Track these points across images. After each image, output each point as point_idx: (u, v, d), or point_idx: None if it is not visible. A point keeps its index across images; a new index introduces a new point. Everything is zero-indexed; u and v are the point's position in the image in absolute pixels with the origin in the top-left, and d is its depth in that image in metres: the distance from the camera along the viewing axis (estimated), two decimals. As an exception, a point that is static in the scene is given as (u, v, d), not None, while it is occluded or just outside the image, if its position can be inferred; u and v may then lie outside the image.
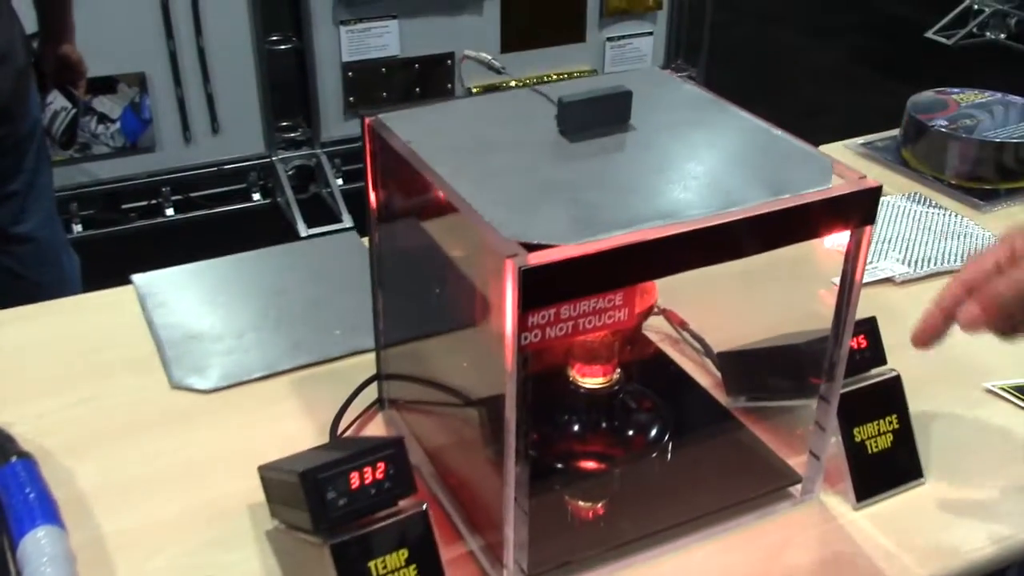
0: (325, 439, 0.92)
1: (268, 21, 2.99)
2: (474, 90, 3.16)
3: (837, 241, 1.10)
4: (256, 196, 3.21)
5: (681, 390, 0.98)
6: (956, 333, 1.09)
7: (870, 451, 0.88)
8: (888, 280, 1.18)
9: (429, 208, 0.77)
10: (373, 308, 0.92)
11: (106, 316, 1.11)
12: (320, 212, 3.12)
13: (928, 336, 0.83)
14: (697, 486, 0.87)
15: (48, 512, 0.79)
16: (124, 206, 3.10)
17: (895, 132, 1.49)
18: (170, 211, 3.11)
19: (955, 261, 1.21)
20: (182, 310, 1.10)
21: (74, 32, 1.79)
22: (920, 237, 1.25)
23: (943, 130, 1.37)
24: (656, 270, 0.71)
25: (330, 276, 1.18)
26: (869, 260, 1.19)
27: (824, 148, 1.50)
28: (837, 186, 0.74)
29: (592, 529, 0.85)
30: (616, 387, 0.88)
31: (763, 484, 0.87)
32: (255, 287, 1.16)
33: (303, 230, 3.03)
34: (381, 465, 0.74)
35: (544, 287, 0.65)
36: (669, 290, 1.07)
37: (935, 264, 1.20)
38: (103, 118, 2.89)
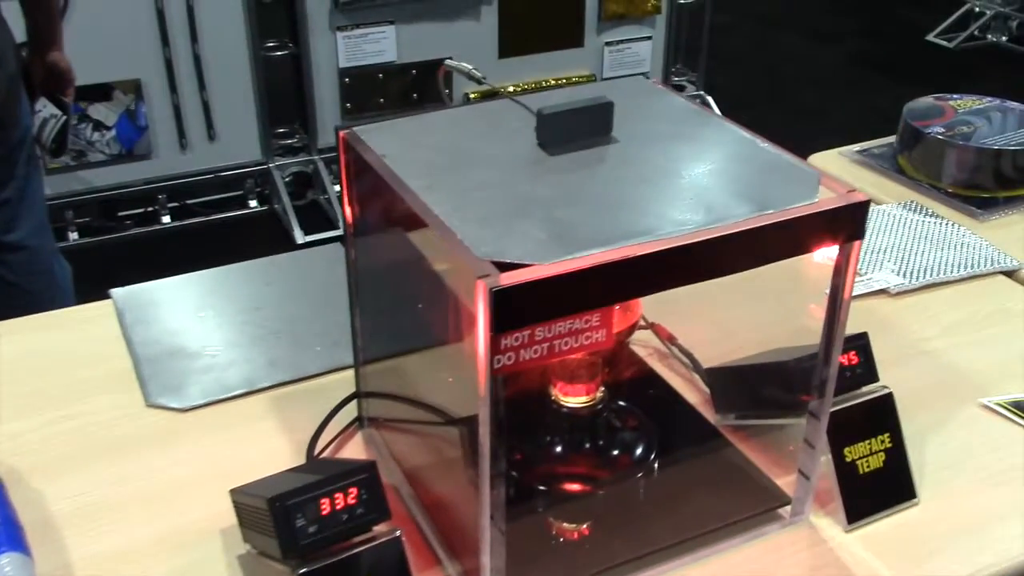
0: (303, 459, 0.90)
1: (264, 27, 2.97)
2: (472, 96, 3.13)
3: (829, 253, 1.07)
4: (253, 203, 3.19)
5: (668, 408, 0.95)
6: (951, 347, 1.07)
7: (861, 471, 0.85)
8: (883, 292, 1.15)
9: (403, 224, 0.75)
10: (351, 325, 0.90)
11: (84, 331, 1.09)
12: (317, 219, 3.10)
13: None
14: (683, 508, 0.85)
15: (13, 538, 0.77)
16: (120, 214, 3.08)
17: (891, 139, 1.46)
18: (166, 218, 3.09)
19: (952, 271, 1.18)
20: (161, 326, 1.08)
21: (63, 40, 1.78)
22: (916, 247, 1.23)
23: (940, 137, 1.35)
24: (635, 289, 0.69)
25: (312, 290, 1.16)
26: (863, 271, 1.16)
27: (819, 155, 1.49)
28: (824, 200, 0.72)
29: (574, 553, 0.83)
30: (600, 406, 0.86)
31: (751, 505, 0.85)
32: (236, 301, 1.13)
33: (300, 237, 3.01)
34: (353, 490, 0.72)
35: (517, 308, 0.63)
36: (658, 304, 1.05)
37: (931, 275, 1.17)
38: (99, 125, 2.87)
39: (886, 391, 0.87)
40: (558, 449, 0.87)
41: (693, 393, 0.99)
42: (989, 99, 1.45)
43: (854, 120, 3.69)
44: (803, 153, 1.46)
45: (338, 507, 0.71)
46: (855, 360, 0.86)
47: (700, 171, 0.76)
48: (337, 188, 3.14)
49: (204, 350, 1.04)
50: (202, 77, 2.92)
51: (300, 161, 3.17)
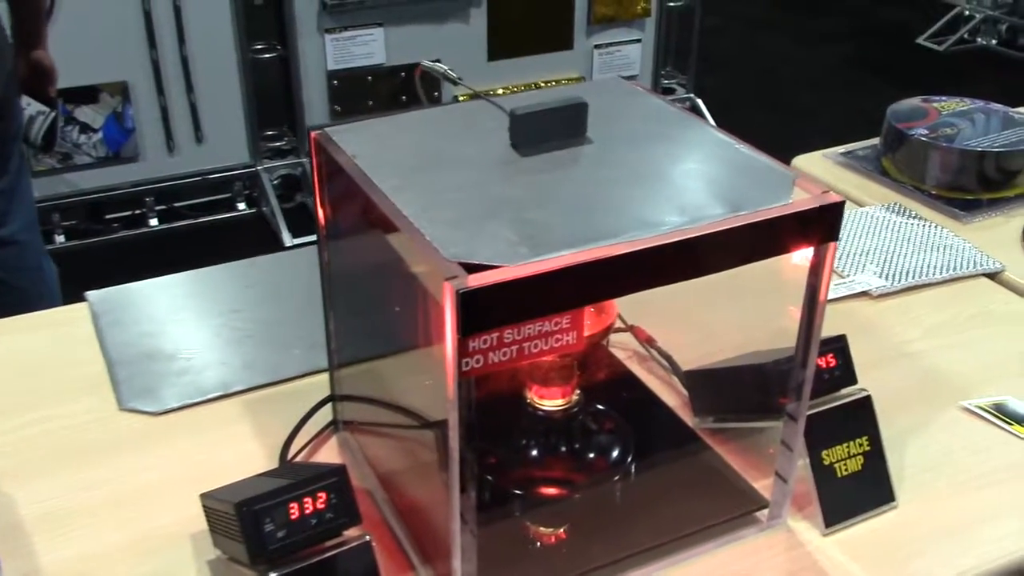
0: (277, 463, 0.89)
1: (252, 29, 2.96)
2: (460, 98, 3.13)
3: (809, 255, 1.07)
4: (241, 206, 3.18)
5: (646, 410, 0.95)
6: (933, 350, 1.07)
7: (839, 474, 0.85)
8: (864, 294, 1.15)
9: (374, 226, 0.74)
10: (325, 328, 0.89)
11: (59, 334, 1.08)
12: (306, 222, 3.08)
13: None
14: (660, 511, 0.84)
15: (-21, 544, 0.76)
16: (107, 216, 3.07)
17: (875, 141, 1.46)
18: (154, 221, 3.08)
19: (934, 274, 1.17)
20: (136, 328, 1.07)
21: (47, 38, 1.78)
22: (899, 249, 1.22)
23: (923, 139, 1.34)
24: (605, 291, 0.68)
25: (292, 292, 1.15)
26: (845, 273, 1.16)
27: (803, 157, 1.48)
28: (798, 201, 0.71)
29: (550, 557, 0.82)
30: (576, 409, 0.85)
31: (729, 509, 0.84)
32: (214, 304, 1.13)
33: (288, 240, 3.00)
34: (323, 495, 0.71)
35: (485, 310, 0.62)
36: (638, 306, 1.05)
37: (914, 277, 1.17)
38: (85, 128, 2.86)
39: (864, 394, 0.86)
40: (534, 453, 0.87)
41: (672, 396, 0.98)
42: (973, 101, 1.45)
43: (843, 123, 3.69)
44: (791, 156, 1.46)
45: (307, 512, 0.70)
46: (833, 362, 0.85)
47: (674, 172, 0.76)
48: (326, 191, 3.14)
49: (179, 353, 1.04)
50: (190, 79, 2.91)
51: (288, 164, 3.16)
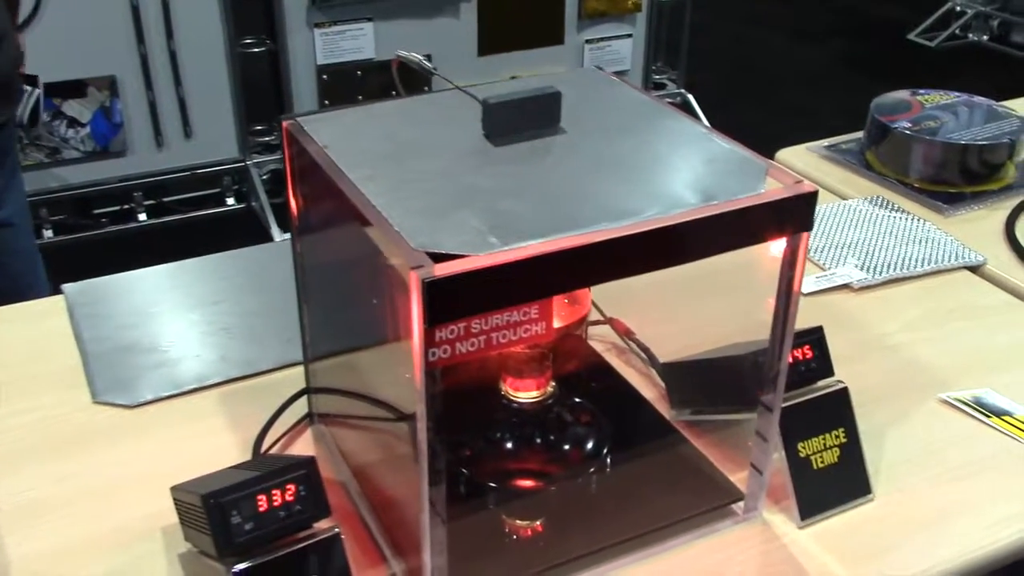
0: (250, 456, 0.88)
1: (241, 23, 2.95)
2: (450, 93, 3.12)
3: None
4: (230, 200, 3.17)
5: (623, 403, 0.94)
6: (912, 342, 1.06)
7: (815, 466, 0.84)
8: (845, 286, 1.14)
9: (344, 217, 0.73)
10: (299, 320, 0.89)
11: (35, 327, 1.07)
12: (294, 217, 3.07)
13: None
14: (635, 504, 0.84)
15: (-53, 537, 0.76)
16: (96, 211, 3.06)
17: (859, 134, 1.45)
18: (143, 216, 3.07)
19: (916, 267, 1.17)
20: (112, 321, 1.06)
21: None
22: (881, 242, 1.22)
23: (906, 132, 1.34)
24: (573, 281, 0.67)
25: (270, 285, 1.14)
26: (826, 266, 1.16)
27: (788, 151, 1.48)
28: (771, 191, 0.71)
29: (524, 549, 0.81)
30: (550, 401, 0.85)
31: (704, 501, 0.84)
32: (192, 297, 1.12)
33: (278, 235, 2.99)
34: (291, 487, 0.70)
35: (452, 300, 0.61)
36: (618, 298, 1.04)
37: (895, 270, 1.16)
38: (73, 122, 2.85)
39: (841, 386, 0.86)
40: (508, 445, 0.86)
41: (650, 388, 0.98)
42: (957, 94, 1.44)
43: (835, 119, 3.68)
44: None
45: (275, 504, 0.69)
46: (810, 354, 0.85)
47: (646, 162, 0.75)
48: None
49: (155, 346, 1.03)
50: (178, 74, 2.90)
51: (277, 159, 3.15)
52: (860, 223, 1.26)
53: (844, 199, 1.34)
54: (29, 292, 1.64)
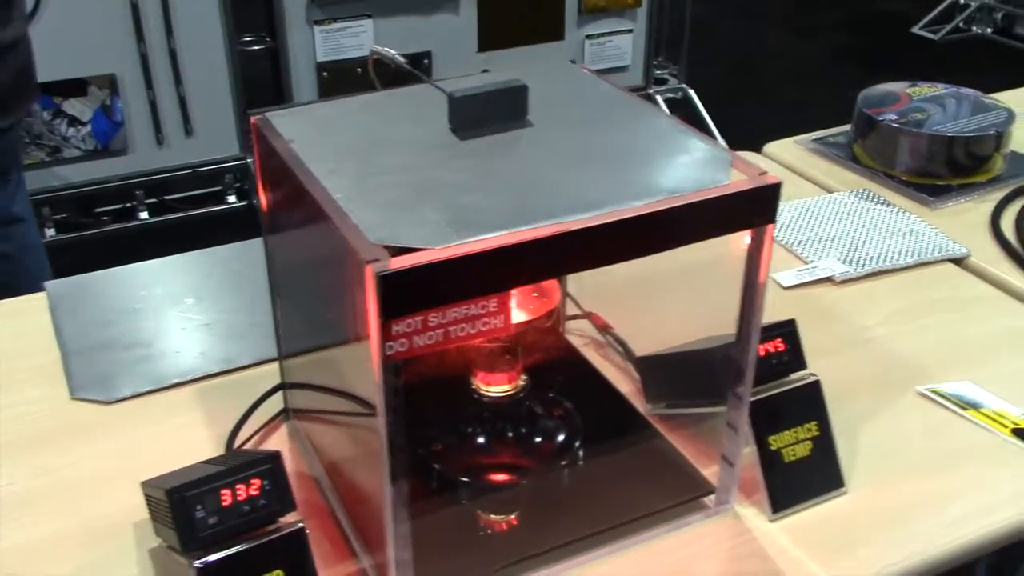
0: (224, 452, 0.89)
1: (241, 21, 2.95)
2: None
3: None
4: (231, 198, 3.17)
5: (597, 396, 0.94)
6: (893, 335, 1.06)
7: (787, 460, 0.84)
8: (828, 280, 1.14)
9: (308, 212, 0.73)
10: (273, 316, 0.89)
11: (17, 324, 1.08)
12: (295, 214, 3.08)
13: None
14: (606, 497, 0.84)
15: (-83, 532, 0.76)
16: (97, 209, 3.07)
17: (847, 128, 1.45)
18: (144, 214, 3.07)
19: (899, 259, 1.17)
20: (93, 318, 1.07)
21: None
22: (865, 235, 1.22)
23: (893, 124, 1.33)
24: (531, 274, 0.67)
25: (251, 281, 1.14)
26: (809, 259, 1.15)
27: (775, 144, 1.48)
28: (734, 183, 0.71)
29: (495, 543, 0.81)
30: (522, 395, 0.85)
31: (675, 495, 0.84)
32: (173, 293, 1.12)
33: (277, 232, 2.99)
34: (256, 481, 0.70)
35: (408, 294, 0.62)
36: (597, 292, 1.04)
37: (878, 263, 1.16)
38: (74, 121, 2.86)
39: (813, 379, 0.86)
40: (480, 440, 0.86)
41: (626, 382, 0.98)
42: (945, 86, 1.44)
43: (836, 113, 3.66)
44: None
45: (240, 498, 0.70)
46: (782, 347, 0.85)
47: (611, 155, 0.75)
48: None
49: (135, 342, 1.03)
50: (178, 72, 2.90)
51: (278, 156, 3.15)
52: (845, 216, 1.26)
53: (830, 192, 1.33)
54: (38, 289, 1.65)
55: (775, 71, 4.20)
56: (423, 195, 0.69)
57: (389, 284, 0.60)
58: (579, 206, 0.67)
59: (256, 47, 3.02)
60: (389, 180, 0.71)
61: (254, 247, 1.30)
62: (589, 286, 1.04)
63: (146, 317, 1.08)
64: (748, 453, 0.83)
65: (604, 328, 1.02)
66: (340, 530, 0.82)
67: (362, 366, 0.67)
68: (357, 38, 3.06)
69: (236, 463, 0.71)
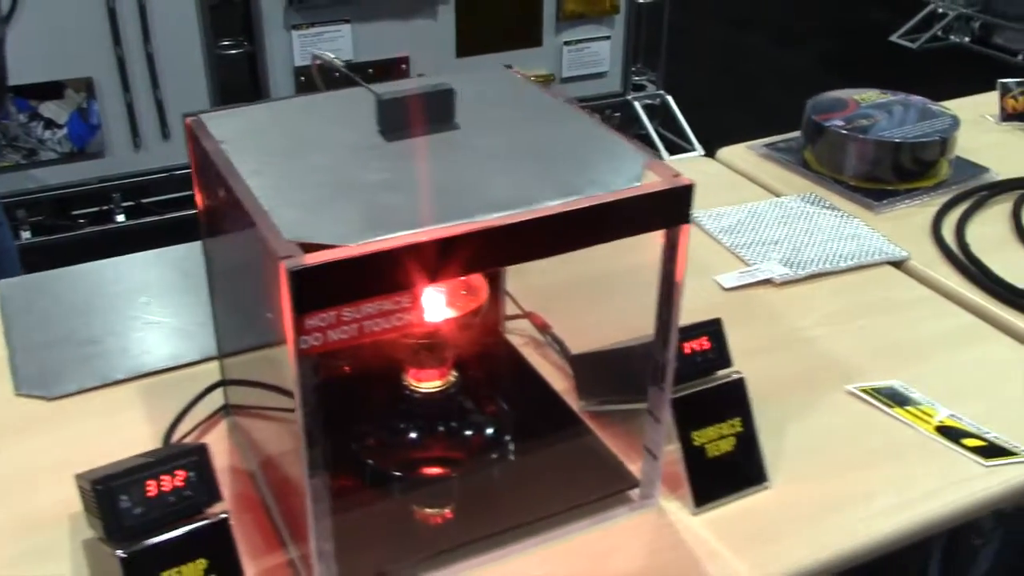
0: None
1: (219, 25, 2.96)
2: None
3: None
4: (208, 202, 3.19)
5: (529, 393, 0.96)
6: (827, 336, 1.08)
7: (710, 455, 0.86)
8: (767, 282, 1.16)
9: (235, 212, 0.75)
10: (212, 314, 0.91)
11: (-32, 322, 1.09)
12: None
13: None
14: (534, 491, 0.86)
15: None
16: (73, 212, 3.08)
17: (797, 134, 1.47)
18: (121, 217, 3.08)
19: (840, 262, 1.19)
20: (42, 316, 1.08)
21: None
22: (808, 238, 1.24)
23: (840, 130, 1.36)
24: (443, 271, 0.69)
25: (202, 280, 1.16)
26: (751, 262, 1.17)
27: (727, 149, 1.50)
28: (646, 184, 0.73)
29: (421, 535, 0.83)
30: (453, 390, 0.87)
31: (601, 488, 0.86)
32: (125, 292, 1.14)
33: (253, 236, 3.00)
34: (181, 472, 0.72)
35: (321, 289, 0.64)
36: (539, 292, 1.06)
37: (819, 265, 1.18)
38: (50, 123, 2.87)
39: (737, 376, 0.88)
40: (411, 435, 0.88)
41: (563, 380, 1.00)
42: (893, 93, 1.46)
43: (813, 119, 3.70)
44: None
45: (164, 489, 0.71)
46: (707, 345, 0.87)
47: (533, 156, 0.77)
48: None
49: (85, 340, 1.05)
50: (155, 75, 2.91)
51: (255, 160, 3.16)
52: (790, 220, 1.28)
53: (777, 196, 1.36)
54: None
55: (753, 78, 4.23)
56: (342, 194, 0.71)
57: (302, 279, 0.62)
58: (494, 205, 0.69)
59: (234, 51, 3.03)
60: (311, 180, 0.73)
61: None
62: (530, 286, 1.07)
63: (95, 316, 1.10)
64: (674, 449, 0.86)
65: (543, 327, 1.04)
66: (272, 523, 0.84)
67: (285, 362, 0.69)
68: (335, 43, 3.08)
69: (164, 455, 0.73)
